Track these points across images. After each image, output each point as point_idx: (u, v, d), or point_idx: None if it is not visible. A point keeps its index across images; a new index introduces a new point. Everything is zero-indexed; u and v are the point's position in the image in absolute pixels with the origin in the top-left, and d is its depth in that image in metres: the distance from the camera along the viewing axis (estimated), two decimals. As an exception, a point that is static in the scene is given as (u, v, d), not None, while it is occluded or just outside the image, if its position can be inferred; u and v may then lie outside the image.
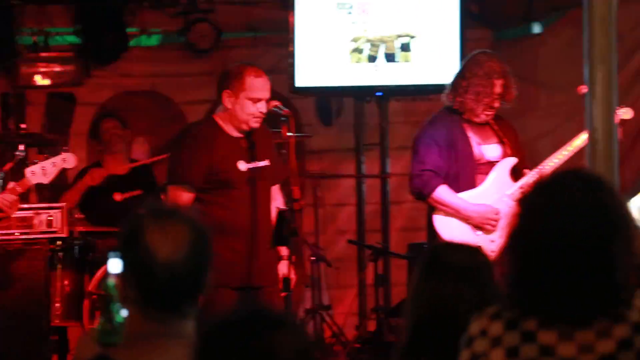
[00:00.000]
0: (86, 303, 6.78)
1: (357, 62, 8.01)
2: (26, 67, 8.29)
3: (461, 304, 2.83)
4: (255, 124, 5.49)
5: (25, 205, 6.25)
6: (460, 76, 6.02)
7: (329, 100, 8.86)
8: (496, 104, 5.95)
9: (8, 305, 6.30)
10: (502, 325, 2.54)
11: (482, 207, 5.86)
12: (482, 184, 5.94)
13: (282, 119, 5.47)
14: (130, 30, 8.48)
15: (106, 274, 2.48)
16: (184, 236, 2.77)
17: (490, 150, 6.00)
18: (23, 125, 7.59)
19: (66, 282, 6.87)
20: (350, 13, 8.01)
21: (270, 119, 5.65)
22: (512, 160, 5.97)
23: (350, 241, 8.39)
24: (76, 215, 7.00)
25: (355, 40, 8.01)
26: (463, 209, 5.85)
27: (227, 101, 5.48)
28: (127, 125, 7.66)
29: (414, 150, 6.04)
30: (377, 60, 8.01)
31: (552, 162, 5.96)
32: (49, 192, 7.05)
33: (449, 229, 5.85)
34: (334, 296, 8.31)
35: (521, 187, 5.81)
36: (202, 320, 2.61)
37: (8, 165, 6.17)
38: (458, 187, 5.89)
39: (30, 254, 6.19)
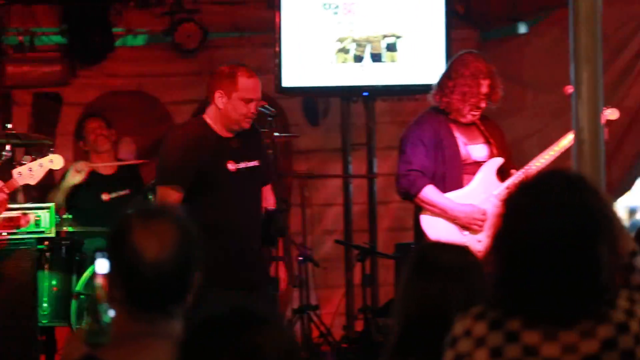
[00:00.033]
0: (74, 303, 6.77)
1: (343, 62, 8.01)
2: (12, 67, 8.27)
3: (450, 304, 2.83)
4: (246, 124, 5.50)
5: (13, 206, 6.24)
6: (446, 76, 6.03)
7: (316, 100, 8.87)
8: (482, 104, 5.97)
9: (-5, 306, 6.29)
10: (486, 325, 2.54)
11: (468, 207, 5.87)
12: (469, 184, 5.95)
13: (269, 119, 5.48)
14: (116, 30, 8.47)
15: (94, 274, 2.48)
16: (171, 236, 2.77)
17: (476, 150, 6.01)
18: (9, 126, 7.56)
19: (53, 282, 6.87)
20: (336, 13, 8.01)
21: (257, 119, 5.65)
22: (498, 161, 5.99)
23: (337, 241, 8.40)
24: (63, 215, 6.99)
25: (341, 40, 8.01)
26: (450, 209, 5.86)
27: (219, 101, 5.49)
28: (111, 125, 7.64)
29: (400, 150, 6.04)
30: (364, 61, 8.02)
31: (539, 163, 5.98)
32: (37, 192, 7.04)
33: (436, 229, 5.86)
34: (321, 296, 8.32)
35: (508, 188, 5.83)
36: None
37: (-6, 166, 6.16)
38: (445, 187, 5.90)
39: (18, 254, 6.17)
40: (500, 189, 5.88)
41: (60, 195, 7.12)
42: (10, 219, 6.20)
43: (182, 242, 2.78)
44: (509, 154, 6.08)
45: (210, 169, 5.45)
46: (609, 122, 5.85)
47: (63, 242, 6.92)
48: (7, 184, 5.78)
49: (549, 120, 7.95)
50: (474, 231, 5.87)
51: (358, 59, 8.02)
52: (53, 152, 5.98)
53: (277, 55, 7.91)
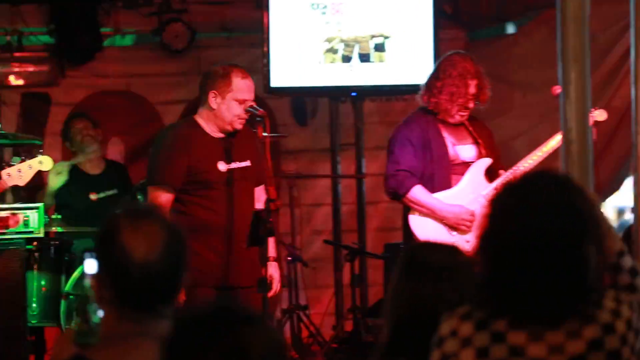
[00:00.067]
0: (63, 303, 6.76)
1: (331, 62, 8.01)
2: (0, 67, 8.26)
3: (441, 304, 2.83)
4: (239, 125, 5.51)
5: (1, 206, 6.23)
6: (434, 77, 6.04)
7: (304, 100, 8.87)
8: (470, 105, 5.98)
9: (-15, 306, 6.27)
10: (472, 325, 2.54)
11: (457, 207, 5.88)
12: (458, 184, 5.96)
13: (258, 119, 5.47)
14: (104, 30, 8.47)
15: (83, 275, 2.49)
16: (159, 236, 2.77)
17: (465, 150, 6.02)
18: (-2, 126, 7.55)
19: (42, 283, 6.86)
20: (324, 13, 8.01)
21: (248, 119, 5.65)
22: (487, 161, 6.00)
23: (326, 241, 8.40)
24: (52, 216, 6.98)
25: (329, 40, 8.01)
26: (438, 209, 5.87)
27: (213, 102, 5.49)
28: (97, 125, 7.61)
29: (389, 151, 6.05)
30: (352, 61, 8.02)
31: (527, 163, 5.99)
32: (25, 193, 7.02)
33: (425, 229, 5.87)
34: (311, 296, 8.31)
35: (496, 188, 5.83)
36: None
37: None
38: (433, 188, 5.91)
39: (7, 255, 6.16)
40: (488, 189, 5.89)
41: (48, 200, 7.10)
42: None
43: (170, 242, 2.78)
44: (497, 155, 6.09)
45: (200, 169, 5.46)
46: (597, 123, 5.87)
47: (52, 243, 6.92)
48: (-5, 185, 5.78)
49: (537, 121, 7.96)
50: (462, 232, 5.88)
51: (346, 59, 8.02)
52: (42, 153, 5.97)
53: (266, 55, 7.90)
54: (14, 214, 6.11)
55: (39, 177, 6.37)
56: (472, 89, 5.95)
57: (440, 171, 5.94)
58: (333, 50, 8.01)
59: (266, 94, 8.00)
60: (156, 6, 8.49)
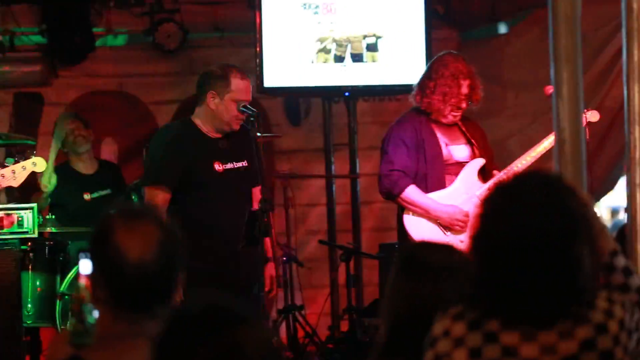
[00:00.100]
0: (58, 304, 6.75)
1: (324, 62, 8.02)
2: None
3: (440, 304, 2.83)
4: (237, 125, 5.52)
5: (-5, 206, 6.22)
6: (426, 77, 6.05)
7: (297, 100, 8.87)
8: (463, 105, 5.99)
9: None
10: (465, 325, 2.54)
11: (450, 207, 5.88)
12: (451, 184, 5.97)
13: (251, 119, 5.48)
14: (96, 30, 8.46)
15: (77, 275, 2.49)
16: (154, 236, 2.77)
17: (458, 150, 6.03)
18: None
19: (37, 283, 6.86)
20: (316, 13, 8.02)
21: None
22: (480, 161, 6.01)
23: (321, 241, 8.40)
24: (46, 216, 6.97)
25: (321, 40, 8.02)
26: (432, 209, 5.88)
27: (212, 102, 5.50)
28: (89, 125, 7.60)
29: (382, 151, 6.06)
30: (345, 61, 8.03)
31: (521, 164, 6.00)
32: (19, 193, 7.02)
33: (419, 229, 5.88)
34: (306, 296, 8.31)
35: (489, 188, 5.84)
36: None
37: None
38: (427, 188, 5.91)
39: (1, 255, 6.15)
40: (482, 189, 5.90)
41: (43, 202, 7.09)
42: (-8, 219, 6.18)
43: (165, 242, 2.78)
44: (490, 155, 6.10)
45: (196, 169, 5.47)
46: (589, 124, 5.89)
47: (46, 243, 6.91)
48: (-11, 186, 5.78)
49: (530, 120, 7.98)
50: (456, 232, 5.89)
51: (339, 59, 8.02)
52: (35, 155, 5.97)
53: (258, 55, 7.90)
54: (8, 215, 6.10)
55: (33, 178, 6.36)
56: (464, 89, 5.96)
57: (434, 171, 5.95)
58: (325, 50, 8.01)
59: (259, 94, 7.99)
60: (148, 6, 8.49)
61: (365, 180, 8.51)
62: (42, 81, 8.43)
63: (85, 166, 7.50)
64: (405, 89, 6.29)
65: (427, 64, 6.46)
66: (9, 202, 6.84)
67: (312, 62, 8.00)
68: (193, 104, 5.69)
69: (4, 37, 8.25)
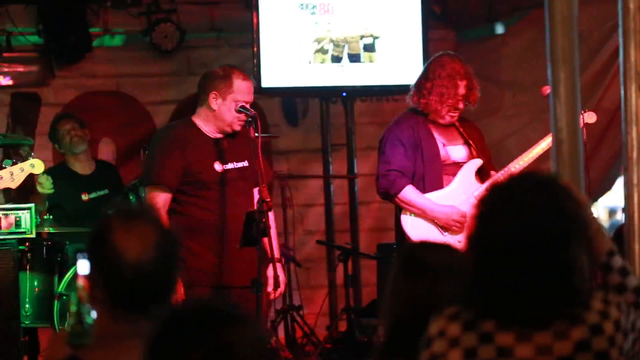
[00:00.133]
0: (56, 304, 6.75)
1: (321, 62, 8.02)
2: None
3: (440, 304, 2.84)
4: (238, 126, 5.53)
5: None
6: (423, 77, 6.05)
7: (295, 101, 8.87)
8: (460, 105, 5.99)
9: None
10: (460, 326, 2.55)
11: (448, 208, 5.88)
12: (449, 185, 5.97)
13: (249, 119, 5.49)
14: (93, 30, 8.45)
15: (75, 275, 2.49)
16: (152, 237, 2.77)
17: (456, 151, 6.04)
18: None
19: (35, 283, 6.85)
20: (313, 13, 8.02)
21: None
22: (478, 162, 6.01)
23: (319, 242, 8.40)
24: (44, 217, 6.96)
25: (319, 40, 8.02)
26: (429, 210, 5.88)
27: (214, 103, 5.51)
28: (85, 125, 7.59)
29: (380, 151, 6.06)
30: (342, 61, 8.03)
31: (518, 164, 6.00)
32: (16, 193, 7.01)
33: (417, 229, 5.88)
34: (304, 296, 8.31)
35: (486, 189, 5.83)
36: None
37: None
38: (424, 188, 5.91)
39: (-1, 255, 6.16)
40: (480, 190, 5.90)
41: (41, 207, 7.09)
42: (-9, 220, 6.18)
43: (163, 243, 2.78)
44: (488, 155, 6.10)
45: (197, 170, 5.48)
46: (587, 125, 5.89)
47: (44, 243, 6.91)
48: (-12, 188, 5.79)
49: (528, 121, 7.98)
50: (453, 232, 5.89)
51: (336, 59, 8.03)
52: (33, 156, 5.97)
53: (256, 55, 7.91)
54: (5, 215, 6.10)
55: (31, 180, 6.36)
56: (461, 90, 5.96)
57: (431, 171, 5.95)
58: (323, 51, 8.02)
59: (257, 94, 7.99)
60: (145, 6, 8.48)
61: (363, 180, 8.51)
62: (39, 81, 8.43)
63: (82, 166, 7.49)
64: (403, 89, 6.29)
65: (424, 64, 6.46)
66: (6, 203, 6.84)
67: (310, 63, 8.00)
68: (191, 104, 5.70)
69: (0, 38, 8.24)
